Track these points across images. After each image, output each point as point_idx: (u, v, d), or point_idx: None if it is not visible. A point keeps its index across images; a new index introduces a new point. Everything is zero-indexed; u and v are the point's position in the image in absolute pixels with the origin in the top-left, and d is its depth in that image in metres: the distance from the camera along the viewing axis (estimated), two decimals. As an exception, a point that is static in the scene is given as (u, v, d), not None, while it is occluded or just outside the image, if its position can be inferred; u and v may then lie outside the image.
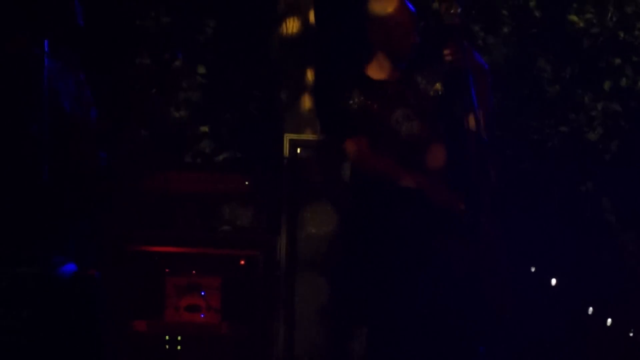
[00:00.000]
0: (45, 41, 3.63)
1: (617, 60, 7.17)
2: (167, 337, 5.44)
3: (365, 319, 4.29)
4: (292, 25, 6.81)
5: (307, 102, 6.89)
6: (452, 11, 3.98)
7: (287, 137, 5.70)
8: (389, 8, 4.18)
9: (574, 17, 7.09)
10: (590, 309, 6.56)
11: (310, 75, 6.88)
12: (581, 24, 7.09)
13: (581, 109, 7.16)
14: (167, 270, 5.52)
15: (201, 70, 7.24)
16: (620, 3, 7.15)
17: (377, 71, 4.27)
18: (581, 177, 6.92)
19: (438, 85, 4.21)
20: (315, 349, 5.49)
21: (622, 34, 7.13)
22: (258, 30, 7.23)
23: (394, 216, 4.12)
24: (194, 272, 5.51)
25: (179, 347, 5.45)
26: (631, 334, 6.75)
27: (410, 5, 4.25)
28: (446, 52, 4.03)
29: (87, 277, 3.70)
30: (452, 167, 4.15)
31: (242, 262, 5.57)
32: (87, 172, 4.10)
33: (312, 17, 6.87)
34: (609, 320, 6.76)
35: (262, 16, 7.04)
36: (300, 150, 5.61)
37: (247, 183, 5.63)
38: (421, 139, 4.15)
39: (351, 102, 4.20)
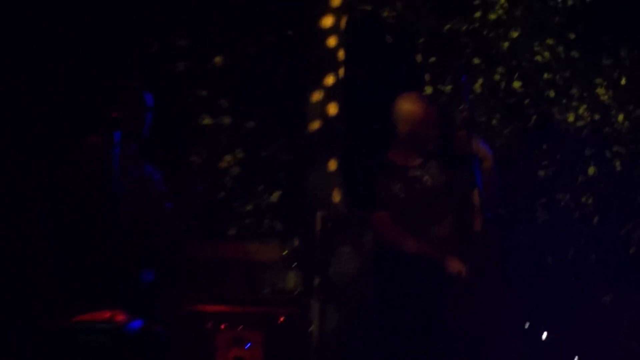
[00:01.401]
0: (116, 134, 4.28)
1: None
2: (217, 384, 5.91)
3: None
4: (330, 110, 7.58)
5: (333, 180, 7.61)
6: (461, 107, 4.52)
7: (319, 213, 6.36)
8: (418, 108, 4.77)
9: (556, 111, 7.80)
10: (576, 358, 7.10)
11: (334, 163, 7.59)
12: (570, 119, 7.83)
13: (568, 190, 7.85)
14: (217, 326, 5.94)
15: (239, 154, 7.94)
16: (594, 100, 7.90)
17: (401, 157, 4.80)
18: (568, 245, 7.57)
19: (449, 171, 4.77)
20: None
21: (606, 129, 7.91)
22: (293, 118, 7.86)
23: (413, 281, 4.63)
24: (240, 327, 5.94)
25: (227, 393, 5.94)
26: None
27: (432, 105, 4.88)
28: (457, 141, 4.60)
29: (153, 332, 4.31)
30: (460, 237, 4.68)
31: (282, 319, 5.99)
32: (156, 245, 4.73)
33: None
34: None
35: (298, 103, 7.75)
36: (330, 224, 6.26)
37: (285, 252, 6.21)
38: (434, 191, 4.69)
39: (379, 184, 4.71)
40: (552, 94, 8.08)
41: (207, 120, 7.78)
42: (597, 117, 8.13)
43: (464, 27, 8.11)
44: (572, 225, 7.67)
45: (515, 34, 8.07)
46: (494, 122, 7.88)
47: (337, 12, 7.84)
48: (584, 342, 7.13)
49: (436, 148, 4.80)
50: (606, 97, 8.20)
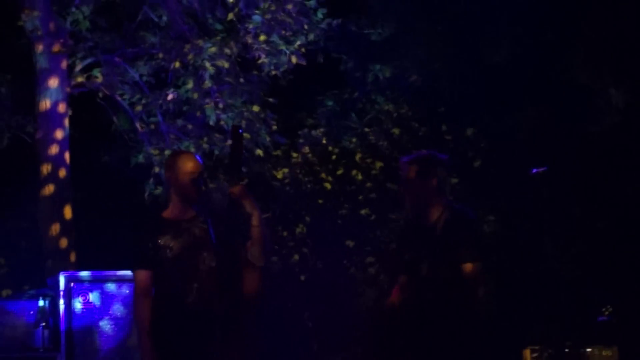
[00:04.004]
0: None
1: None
2: None
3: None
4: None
5: (63, 242, 8.26)
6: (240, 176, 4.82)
7: (62, 275, 6.80)
8: (183, 163, 4.88)
9: None
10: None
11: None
12: None
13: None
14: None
15: None
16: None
17: (172, 212, 4.91)
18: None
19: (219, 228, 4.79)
20: None
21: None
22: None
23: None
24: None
25: None
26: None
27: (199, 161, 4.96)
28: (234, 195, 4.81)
29: None
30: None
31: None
32: None
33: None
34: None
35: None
36: (73, 284, 6.71)
37: (32, 312, 6.60)
38: (214, 270, 4.78)
39: (150, 241, 4.79)
40: (261, 153, 9.03)
41: None
42: (300, 175, 9.23)
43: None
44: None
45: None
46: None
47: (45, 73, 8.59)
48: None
49: (206, 202, 4.90)
50: (298, 159, 9.36)
